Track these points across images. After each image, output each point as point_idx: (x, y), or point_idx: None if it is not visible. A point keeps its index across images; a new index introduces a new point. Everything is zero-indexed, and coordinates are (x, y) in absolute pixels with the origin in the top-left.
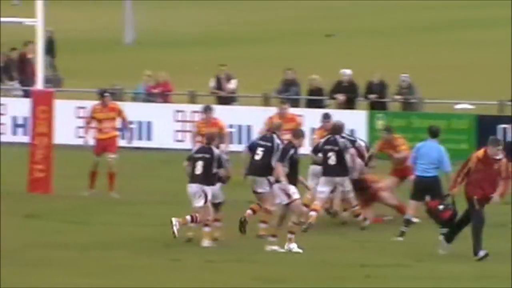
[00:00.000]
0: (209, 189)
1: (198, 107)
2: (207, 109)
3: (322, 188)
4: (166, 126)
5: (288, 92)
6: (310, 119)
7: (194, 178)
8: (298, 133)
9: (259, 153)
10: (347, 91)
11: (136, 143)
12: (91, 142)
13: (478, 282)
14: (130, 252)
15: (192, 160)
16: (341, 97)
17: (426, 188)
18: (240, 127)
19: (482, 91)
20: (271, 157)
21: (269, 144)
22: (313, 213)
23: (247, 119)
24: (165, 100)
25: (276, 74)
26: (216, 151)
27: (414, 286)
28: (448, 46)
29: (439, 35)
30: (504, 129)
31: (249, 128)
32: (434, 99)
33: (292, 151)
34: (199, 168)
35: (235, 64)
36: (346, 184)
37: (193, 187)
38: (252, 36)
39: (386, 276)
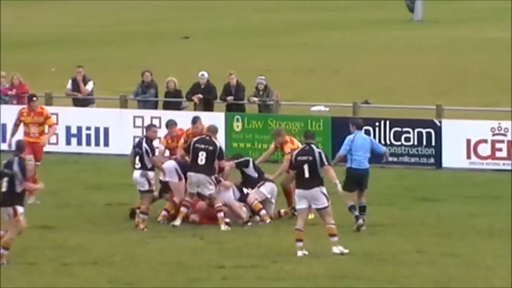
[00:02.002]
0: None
1: (55, 109)
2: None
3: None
4: (22, 128)
5: (146, 94)
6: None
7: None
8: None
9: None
10: (204, 93)
11: None
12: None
13: (333, 282)
14: None
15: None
16: (197, 97)
17: (359, 180)
18: (97, 129)
19: (337, 93)
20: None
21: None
22: (263, 211)
23: (104, 121)
24: (21, 102)
25: (133, 76)
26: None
27: (270, 287)
28: (304, 48)
29: (295, 37)
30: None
31: (106, 130)
32: (290, 101)
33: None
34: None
35: (92, 65)
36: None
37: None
38: (109, 38)
39: (242, 277)
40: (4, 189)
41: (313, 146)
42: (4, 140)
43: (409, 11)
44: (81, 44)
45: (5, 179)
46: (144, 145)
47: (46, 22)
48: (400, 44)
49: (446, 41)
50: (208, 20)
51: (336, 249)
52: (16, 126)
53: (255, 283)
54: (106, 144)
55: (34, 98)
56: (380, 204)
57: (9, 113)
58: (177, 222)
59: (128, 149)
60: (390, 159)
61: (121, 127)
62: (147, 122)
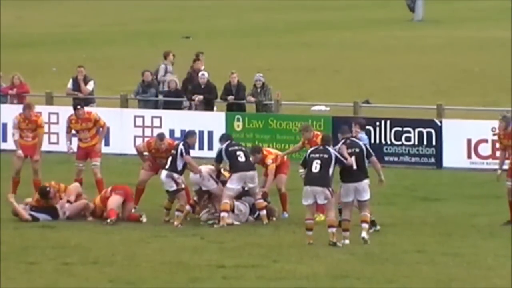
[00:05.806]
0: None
1: (55, 108)
2: None
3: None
4: None
5: (146, 94)
6: (168, 120)
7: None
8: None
9: None
10: (204, 93)
11: None
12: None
13: (333, 281)
14: None
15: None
16: (198, 97)
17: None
18: (97, 128)
19: (337, 93)
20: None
21: None
22: (224, 214)
23: (104, 120)
24: (22, 102)
25: (133, 75)
26: None
27: (271, 287)
28: (305, 48)
29: (296, 37)
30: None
31: (106, 129)
32: (291, 101)
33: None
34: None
35: (93, 65)
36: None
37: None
38: (109, 37)
39: (243, 277)
40: (315, 170)
41: (353, 139)
42: (4, 140)
43: (410, 10)
44: (81, 43)
45: (317, 161)
46: (181, 146)
47: (47, 22)
48: (401, 43)
49: (447, 40)
50: (209, 20)
51: (364, 234)
52: (68, 133)
53: (255, 283)
54: (107, 143)
55: (79, 107)
56: (381, 203)
57: (9, 112)
58: (177, 222)
59: (128, 149)
60: (391, 158)
61: (121, 127)
62: (147, 121)
